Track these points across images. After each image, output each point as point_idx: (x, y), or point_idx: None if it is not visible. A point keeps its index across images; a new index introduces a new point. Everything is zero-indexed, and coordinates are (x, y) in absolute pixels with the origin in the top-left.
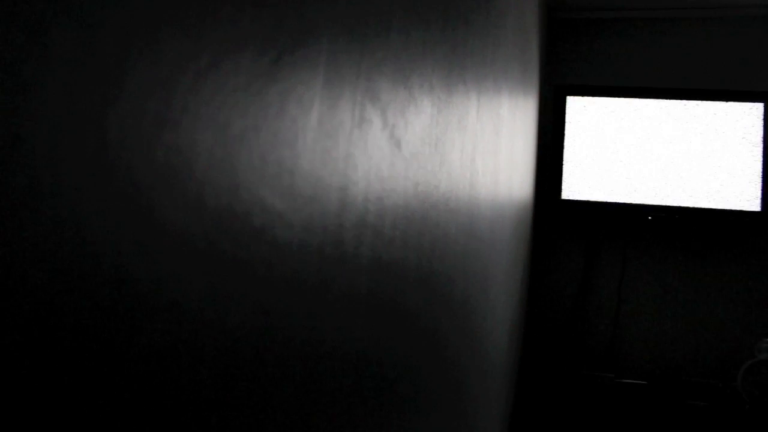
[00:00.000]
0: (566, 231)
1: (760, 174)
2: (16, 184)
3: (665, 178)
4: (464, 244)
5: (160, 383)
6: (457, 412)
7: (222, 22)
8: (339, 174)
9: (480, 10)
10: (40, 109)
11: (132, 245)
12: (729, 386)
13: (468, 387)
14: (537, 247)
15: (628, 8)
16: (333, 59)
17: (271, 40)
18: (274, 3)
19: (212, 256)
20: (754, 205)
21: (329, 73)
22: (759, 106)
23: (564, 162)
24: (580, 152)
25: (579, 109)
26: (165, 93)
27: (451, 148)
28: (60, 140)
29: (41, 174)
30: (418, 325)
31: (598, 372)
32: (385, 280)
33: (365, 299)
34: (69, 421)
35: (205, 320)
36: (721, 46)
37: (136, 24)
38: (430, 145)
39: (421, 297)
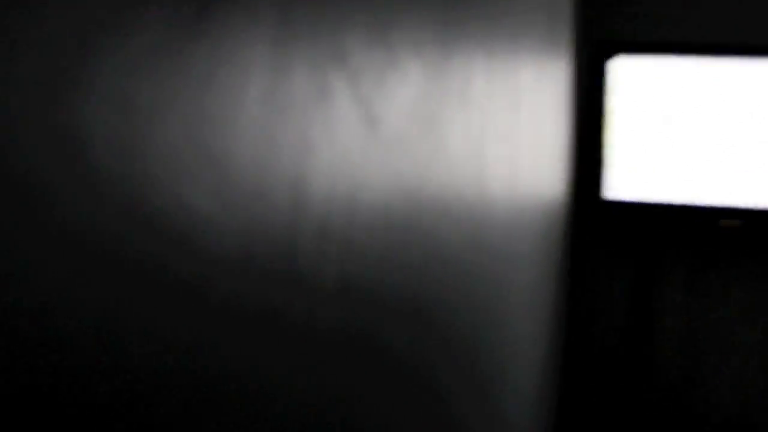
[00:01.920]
0: (611, 240)
1: None
2: None
3: (746, 171)
4: (470, 261)
5: None
6: None
7: None
8: (292, 164)
9: None
10: None
11: None
12: None
13: None
14: (573, 261)
15: None
16: (284, 8)
17: None
18: None
19: (108, 271)
20: None
21: (278, 28)
22: None
23: (605, 149)
24: (627, 135)
25: (626, 75)
26: (41, 57)
27: (450, 129)
28: None
29: None
30: (404, 372)
31: (663, 424)
32: (358, 309)
33: (329, 335)
34: None
35: (95, 362)
36: None
37: None
38: (420, 126)
39: (409, 333)
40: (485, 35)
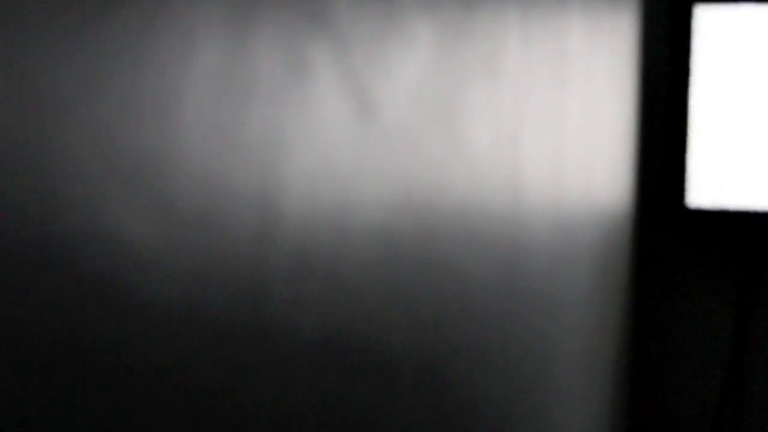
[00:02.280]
0: (698, 261)
1: None
2: None
3: None
4: (503, 302)
5: None
6: None
7: None
8: (256, 170)
9: None
10: None
11: None
12: None
13: None
14: (647, 293)
15: None
16: None
17: None
18: None
19: None
20: None
21: None
22: None
23: (690, 137)
24: (721, 117)
25: (719, 30)
26: None
27: (472, 114)
28: None
29: None
30: None
31: None
32: (347, 379)
33: (313, 414)
34: None
35: None
36: None
37: None
38: (431, 112)
39: (419, 414)
40: None
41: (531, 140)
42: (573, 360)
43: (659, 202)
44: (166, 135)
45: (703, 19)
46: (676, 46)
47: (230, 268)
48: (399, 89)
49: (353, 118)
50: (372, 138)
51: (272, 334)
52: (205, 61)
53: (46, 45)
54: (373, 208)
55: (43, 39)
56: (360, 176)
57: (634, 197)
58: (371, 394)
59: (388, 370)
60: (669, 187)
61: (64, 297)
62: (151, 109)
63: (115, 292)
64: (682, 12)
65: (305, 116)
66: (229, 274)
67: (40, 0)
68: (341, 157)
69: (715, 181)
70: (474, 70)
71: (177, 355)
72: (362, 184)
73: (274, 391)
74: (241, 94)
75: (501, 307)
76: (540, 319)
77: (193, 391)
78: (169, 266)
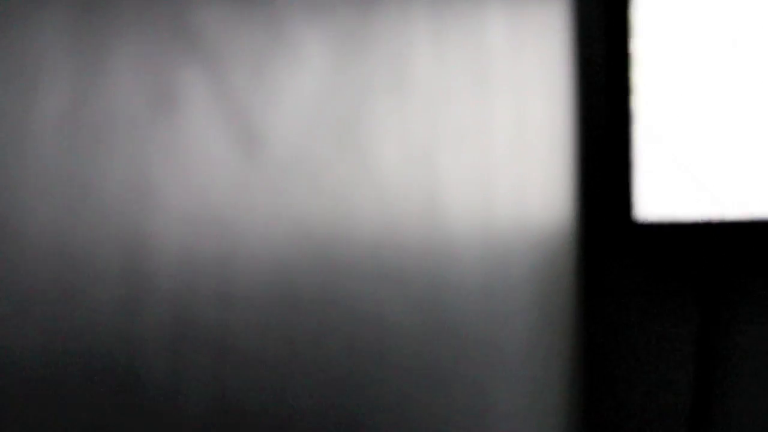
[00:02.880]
0: (652, 281)
1: None
2: None
3: None
4: (427, 347)
5: None
6: None
7: None
8: (119, 223)
9: None
10: None
11: None
12: None
13: None
14: (595, 320)
15: None
16: None
17: None
18: None
19: None
20: None
21: None
22: None
23: (635, 143)
24: (666, 118)
25: (660, 21)
26: None
27: (378, 133)
28: None
29: None
30: None
31: None
32: None
33: None
34: None
35: None
36: None
37: None
38: (328, 134)
39: None
40: None
41: (451, 158)
42: (515, 414)
43: (605, 219)
44: (3, 196)
45: (642, 9)
46: (615, 41)
47: (92, 347)
48: (289, 114)
49: (235, 152)
50: (259, 173)
51: (151, 417)
52: (47, 101)
53: None
54: (265, 257)
55: None
56: (247, 220)
57: (577, 215)
58: None
59: None
60: (614, 201)
61: None
62: None
63: None
64: (619, 2)
65: (176, 154)
66: (91, 354)
67: None
68: (223, 199)
69: (664, 191)
70: (378, 84)
71: None
72: (250, 229)
73: None
74: (95, 135)
75: (426, 355)
76: (473, 366)
77: None
78: (13, 349)
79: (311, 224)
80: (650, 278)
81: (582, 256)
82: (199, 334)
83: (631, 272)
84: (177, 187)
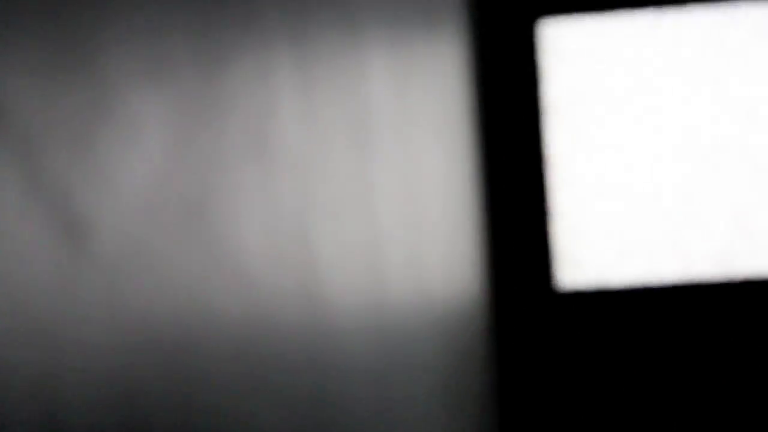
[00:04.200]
0: (578, 355)
1: None
2: None
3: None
4: None
5: None
6: None
7: None
8: None
9: None
10: None
11: None
12: None
13: None
14: (512, 404)
15: None
16: None
17: None
18: None
19: None
20: None
21: None
22: None
23: (551, 197)
24: (584, 167)
25: (573, 51)
26: None
27: (236, 209)
28: None
29: None
30: None
31: None
32: None
33: None
34: None
35: None
36: None
37: None
38: (171, 218)
39: None
40: (291, 21)
41: (329, 231)
42: None
43: (520, 289)
44: None
45: (550, 40)
46: (522, 88)
47: None
48: (122, 198)
49: (58, 246)
50: (89, 270)
51: None
52: None
53: None
54: (100, 372)
55: None
56: (75, 327)
57: (488, 286)
58: None
59: None
60: (531, 268)
61: None
62: None
63: None
64: (524, 30)
65: None
66: None
67: None
68: (45, 302)
69: (585, 256)
70: (234, 152)
71: None
72: (79, 338)
73: None
74: None
75: None
76: None
77: None
78: None
79: (157, 328)
80: (575, 354)
81: (496, 332)
82: None
83: (552, 347)
84: None
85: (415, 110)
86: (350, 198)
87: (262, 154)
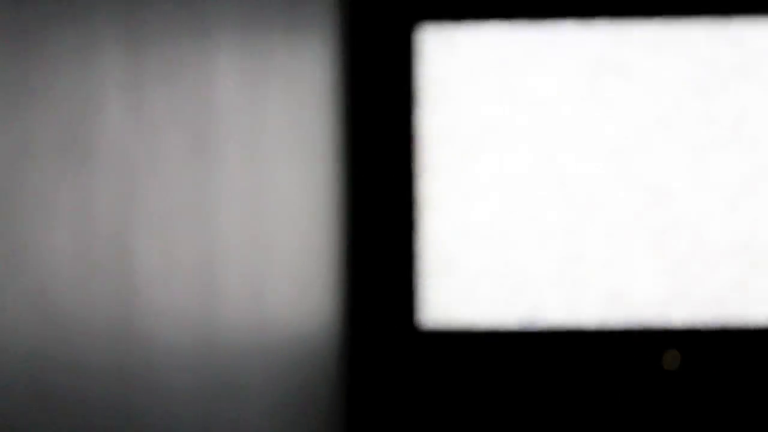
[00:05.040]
0: (428, 401)
1: None
2: None
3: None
4: None
5: None
6: None
7: None
8: None
9: None
10: None
11: None
12: None
13: None
14: None
15: None
16: None
17: None
18: None
19: None
20: None
21: None
22: None
23: (419, 222)
24: (457, 196)
25: (451, 65)
26: None
27: (40, 216)
28: None
29: None
30: None
31: None
32: None
33: None
34: None
35: None
36: None
37: None
38: None
39: None
40: (123, 10)
41: (153, 245)
42: None
43: (378, 325)
44: None
45: (432, 45)
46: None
47: None
48: None
49: None
50: None
51: None
52: None
53: None
54: None
55: None
56: None
57: (342, 317)
58: None
59: None
60: (391, 303)
61: None
62: None
63: None
64: (398, 38)
65: None
66: None
67: None
68: None
69: (455, 291)
70: (44, 145)
71: None
72: None
73: None
74: None
75: None
76: None
77: None
78: None
79: None
80: (427, 391)
81: (347, 364)
82: None
83: (405, 383)
84: None
85: (270, 118)
86: (183, 209)
87: (79, 150)
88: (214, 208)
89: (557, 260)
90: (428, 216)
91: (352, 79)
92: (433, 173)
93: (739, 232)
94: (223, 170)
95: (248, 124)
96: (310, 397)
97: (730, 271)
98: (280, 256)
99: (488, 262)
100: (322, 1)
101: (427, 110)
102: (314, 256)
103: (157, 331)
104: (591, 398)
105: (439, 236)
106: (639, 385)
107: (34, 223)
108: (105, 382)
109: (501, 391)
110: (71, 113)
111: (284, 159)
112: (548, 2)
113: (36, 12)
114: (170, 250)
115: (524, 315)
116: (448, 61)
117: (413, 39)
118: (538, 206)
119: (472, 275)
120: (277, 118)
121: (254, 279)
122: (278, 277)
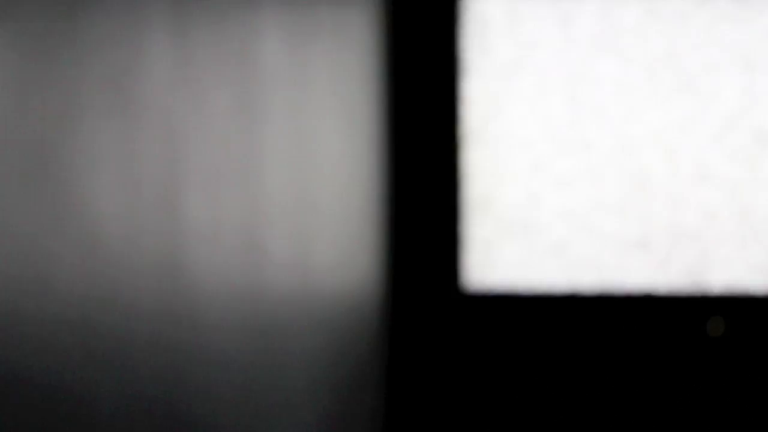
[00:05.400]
0: (473, 364)
1: None
2: None
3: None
4: None
5: None
6: None
7: None
8: None
9: None
10: None
11: None
12: None
13: None
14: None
15: None
16: None
17: None
18: None
19: None
20: None
21: None
22: None
23: (463, 190)
24: (504, 154)
25: (500, 33)
26: None
27: (90, 168)
28: None
29: None
30: None
31: None
32: None
33: None
34: None
35: None
36: None
37: None
38: (9, 170)
39: None
40: None
41: (199, 203)
42: None
43: (422, 288)
44: None
45: (480, 13)
46: (437, 53)
47: None
48: None
49: None
50: None
51: None
52: None
53: None
54: None
55: None
56: None
57: (386, 282)
58: None
59: None
60: (435, 267)
61: None
62: None
63: None
64: (446, 3)
65: None
66: None
67: None
68: None
69: (493, 258)
70: (90, 102)
71: None
72: None
73: None
74: None
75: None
76: None
77: None
78: None
79: None
80: (473, 355)
81: (391, 327)
82: None
83: (451, 346)
84: None
85: (315, 80)
86: (228, 168)
87: (124, 108)
88: (259, 167)
89: (603, 226)
90: (473, 180)
91: (395, 42)
92: (477, 138)
93: None
94: (267, 130)
95: (293, 84)
96: (352, 359)
97: None
98: (325, 217)
99: (534, 227)
100: None
101: (470, 77)
102: (358, 217)
103: (204, 283)
104: (635, 365)
105: (484, 199)
106: (684, 351)
107: (80, 176)
108: (153, 324)
109: (544, 357)
110: (117, 68)
111: (328, 120)
112: None
113: None
114: (215, 207)
115: (569, 280)
116: (493, 29)
117: (457, 6)
118: (585, 174)
119: (518, 238)
120: (322, 80)
121: (299, 239)
122: (322, 237)
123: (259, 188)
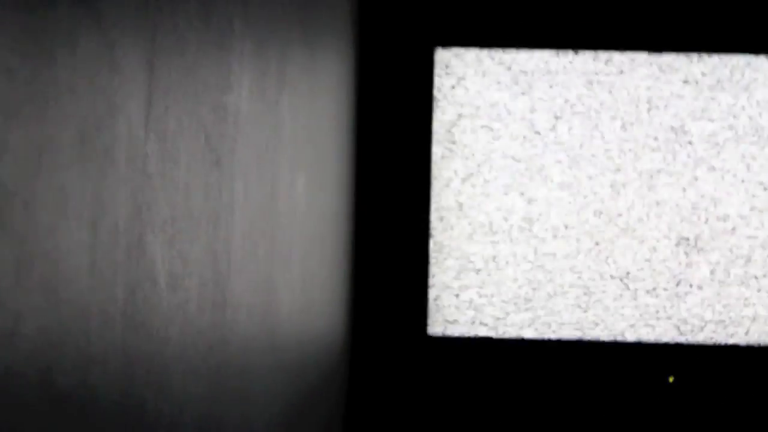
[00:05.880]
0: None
1: None
2: None
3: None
4: None
5: None
6: None
7: None
8: None
9: None
10: None
11: None
12: None
13: None
14: None
15: None
16: None
17: None
18: None
19: None
20: None
21: None
22: None
23: (429, 233)
24: (468, 194)
25: (464, 85)
26: None
27: (55, 208)
28: None
29: None
30: None
31: None
32: None
33: None
34: None
35: None
36: None
37: None
38: None
39: None
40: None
41: (165, 251)
42: None
43: (387, 332)
44: None
45: (448, 64)
46: (412, 110)
47: None
48: None
49: None
50: None
51: None
52: None
53: None
54: None
55: None
56: None
57: (347, 323)
58: None
59: None
60: (399, 312)
61: None
62: None
63: None
64: (418, 58)
65: None
66: None
67: None
68: None
69: (465, 299)
70: (53, 149)
71: None
72: None
73: None
74: None
75: None
76: None
77: None
78: None
79: None
80: (442, 401)
81: (355, 375)
82: None
83: (420, 394)
84: None
85: (285, 126)
86: (196, 215)
87: (94, 156)
88: (228, 215)
89: (567, 273)
90: (439, 223)
91: (366, 92)
92: (444, 184)
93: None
94: (237, 177)
95: (263, 131)
96: (317, 401)
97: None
98: (290, 264)
99: (499, 271)
100: (337, 18)
101: (440, 125)
102: (324, 263)
103: (166, 334)
104: (599, 410)
105: (449, 243)
106: (645, 397)
107: (47, 223)
108: (116, 382)
109: (508, 399)
110: (89, 116)
111: (298, 169)
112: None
113: (59, 17)
114: (182, 254)
115: (533, 325)
116: (461, 81)
117: (428, 60)
118: (549, 220)
119: (482, 283)
120: (294, 126)
121: (264, 286)
122: (287, 284)
123: (227, 236)
